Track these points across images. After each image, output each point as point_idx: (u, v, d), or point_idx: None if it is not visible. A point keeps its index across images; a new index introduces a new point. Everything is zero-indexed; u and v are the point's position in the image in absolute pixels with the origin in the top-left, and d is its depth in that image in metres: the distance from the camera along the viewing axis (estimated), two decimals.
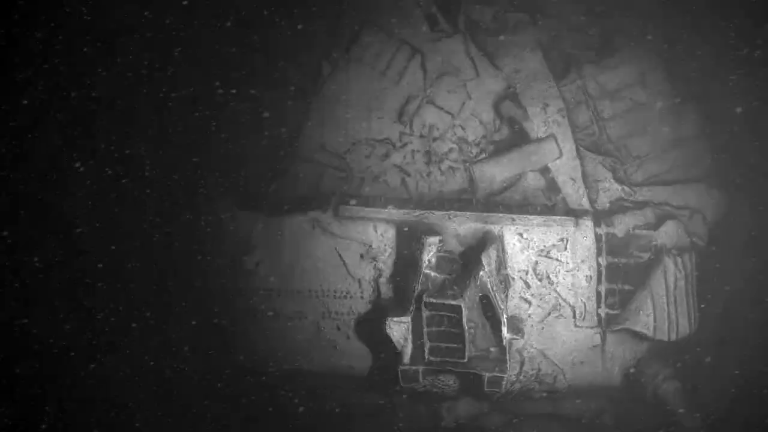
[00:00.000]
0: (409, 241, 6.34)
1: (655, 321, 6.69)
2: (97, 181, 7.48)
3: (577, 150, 6.94)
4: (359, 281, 6.54)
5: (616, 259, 6.72)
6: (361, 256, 6.52)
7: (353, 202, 6.43)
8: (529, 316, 6.56)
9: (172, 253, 6.91)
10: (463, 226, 6.44)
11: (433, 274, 6.07)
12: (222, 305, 6.75)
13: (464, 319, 5.85)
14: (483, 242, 6.25)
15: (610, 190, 7.07)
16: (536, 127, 6.91)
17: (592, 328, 6.62)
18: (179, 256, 6.82)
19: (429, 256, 6.08)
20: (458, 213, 6.45)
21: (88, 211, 7.41)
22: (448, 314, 5.92)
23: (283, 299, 6.62)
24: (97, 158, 7.53)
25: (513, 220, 6.47)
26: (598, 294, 6.65)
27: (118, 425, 7.19)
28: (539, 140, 6.88)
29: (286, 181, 6.87)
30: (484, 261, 5.98)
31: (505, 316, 6.04)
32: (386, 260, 6.49)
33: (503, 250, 6.44)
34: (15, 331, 7.02)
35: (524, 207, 6.64)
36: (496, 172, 6.89)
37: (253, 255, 6.60)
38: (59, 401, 7.24)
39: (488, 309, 6.08)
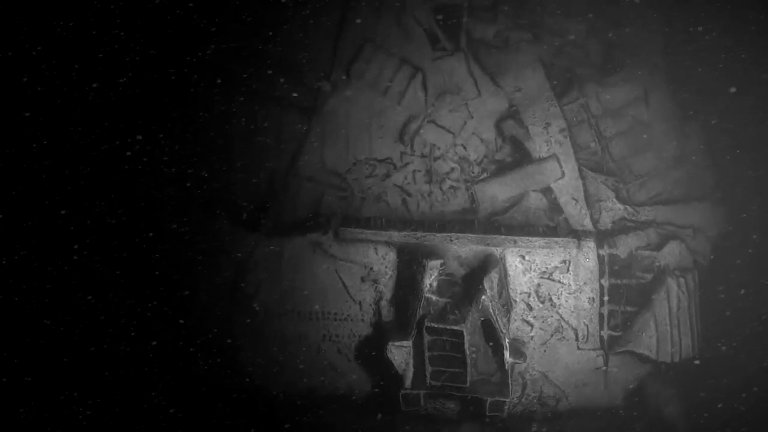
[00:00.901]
0: (411, 263, 6.28)
1: (658, 343, 6.64)
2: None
3: (580, 170, 6.89)
4: (360, 304, 6.49)
5: (618, 281, 6.68)
6: (362, 278, 6.47)
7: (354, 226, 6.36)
8: (532, 338, 6.51)
9: (172, 272, 6.83)
10: (464, 248, 6.39)
11: (434, 297, 6.03)
12: (221, 326, 6.68)
13: (466, 344, 5.80)
14: (485, 265, 6.21)
15: (613, 209, 7.01)
16: (538, 146, 6.86)
17: (594, 350, 6.57)
18: (180, 276, 6.74)
19: (430, 280, 6.04)
20: (460, 235, 6.39)
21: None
22: (450, 339, 5.87)
23: (284, 321, 6.57)
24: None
25: (515, 242, 6.42)
26: (601, 316, 6.60)
27: None
28: (541, 160, 6.83)
29: (285, 201, 6.81)
30: (486, 285, 5.94)
31: (507, 340, 6.00)
32: (387, 283, 6.44)
33: (505, 272, 6.40)
34: None
35: (526, 228, 6.59)
36: (497, 192, 6.84)
37: (252, 276, 6.54)
38: None
39: (490, 333, 6.04)
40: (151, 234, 6.70)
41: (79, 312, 7.59)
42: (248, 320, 6.59)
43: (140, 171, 6.89)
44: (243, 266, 6.54)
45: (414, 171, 6.92)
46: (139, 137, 6.91)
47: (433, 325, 5.79)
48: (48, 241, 7.44)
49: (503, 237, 6.40)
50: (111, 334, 7.30)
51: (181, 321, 6.69)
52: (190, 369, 6.85)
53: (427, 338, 5.85)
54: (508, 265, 6.41)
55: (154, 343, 6.96)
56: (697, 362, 6.88)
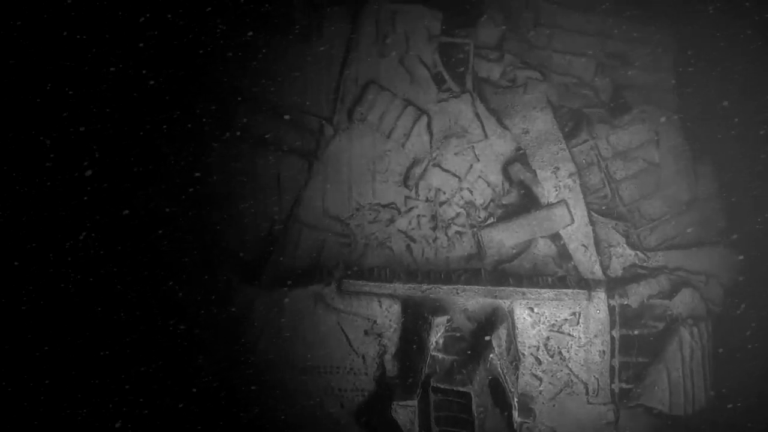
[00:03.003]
0: (416, 318, 6.08)
1: (670, 396, 6.45)
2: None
3: (589, 216, 6.68)
4: (363, 357, 6.29)
5: (629, 331, 6.48)
6: (366, 331, 6.27)
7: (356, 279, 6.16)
8: (540, 393, 6.31)
9: (171, 323, 6.63)
10: (471, 301, 6.19)
11: (440, 356, 5.82)
12: (220, 378, 6.47)
13: (473, 406, 5.60)
14: (492, 321, 6.00)
15: (623, 255, 6.81)
16: (547, 192, 6.65)
17: (605, 404, 6.37)
18: (178, 327, 6.54)
19: (436, 337, 5.83)
20: (466, 287, 6.19)
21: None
22: (457, 399, 5.66)
23: (285, 374, 6.36)
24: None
25: (523, 293, 6.21)
26: (612, 368, 6.40)
27: None
28: (550, 206, 6.63)
29: (286, 249, 6.60)
30: (494, 343, 5.74)
31: (515, 399, 5.80)
32: (391, 336, 6.24)
33: (513, 326, 6.19)
34: None
35: (535, 278, 6.39)
36: (504, 238, 6.64)
37: (253, 329, 6.33)
38: None
39: (498, 392, 5.83)
40: (149, 286, 6.49)
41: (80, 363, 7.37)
42: (249, 371, 6.37)
43: (135, 218, 6.66)
44: (242, 318, 6.32)
45: (419, 216, 6.72)
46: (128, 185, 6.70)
47: (439, 385, 5.59)
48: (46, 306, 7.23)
49: (511, 289, 6.19)
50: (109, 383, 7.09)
51: (180, 373, 6.47)
52: (186, 419, 6.65)
53: (433, 398, 5.65)
54: (516, 318, 6.21)
55: (152, 392, 6.75)
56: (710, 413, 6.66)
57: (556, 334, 6.28)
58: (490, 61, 6.97)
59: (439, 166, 6.72)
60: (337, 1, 6.74)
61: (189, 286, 6.49)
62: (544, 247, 6.67)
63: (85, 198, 6.91)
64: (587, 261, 6.63)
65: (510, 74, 6.98)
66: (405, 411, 5.76)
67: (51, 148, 7.04)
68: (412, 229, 6.70)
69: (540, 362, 6.28)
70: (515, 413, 5.75)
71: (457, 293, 6.18)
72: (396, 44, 6.66)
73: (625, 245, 6.83)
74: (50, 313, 7.30)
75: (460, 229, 6.72)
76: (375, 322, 6.23)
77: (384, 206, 6.68)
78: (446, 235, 6.71)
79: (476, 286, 6.20)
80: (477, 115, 6.76)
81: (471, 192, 6.76)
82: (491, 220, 6.75)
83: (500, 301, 6.19)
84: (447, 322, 5.89)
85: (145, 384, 6.91)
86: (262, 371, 6.38)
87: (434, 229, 6.71)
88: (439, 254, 6.69)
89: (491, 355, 5.66)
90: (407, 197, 6.71)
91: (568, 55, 7.13)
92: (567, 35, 7.17)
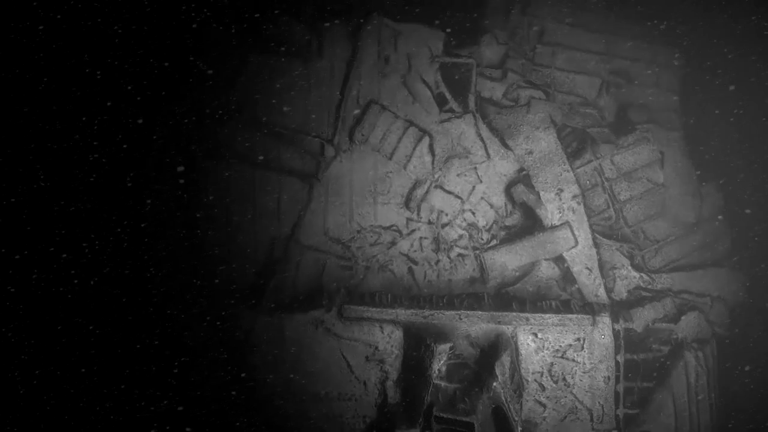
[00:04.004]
0: (418, 344, 5.99)
1: (675, 421, 6.38)
2: None
3: (594, 238, 6.60)
4: (364, 383, 6.20)
5: (634, 356, 6.40)
6: (367, 357, 6.18)
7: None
8: (545, 419, 6.22)
9: (169, 348, 6.54)
10: (474, 327, 6.10)
11: (443, 384, 5.74)
12: (219, 404, 6.38)
13: None
14: (496, 347, 5.92)
15: (628, 278, 6.73)
16: (550, 214, 6.57)
17: (610, 431, 6.29)
18: (176, 354, 6.45)
19: (439, 365, 5.75)
20: (469, 313, 6.10)
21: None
22: (460, 429, 5.57)
23: (285, 400, 6.27)
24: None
25: (527, 319, 6.13)
26: (617, 394, 6.32)
27: None
28: (553, 228, 6.54)
29: (286, 271, 6.51)
30: (498, 371, 5.66)
31: (519, 428, 5.71)
32: (393, 362, 6.15)
33: (517, 352, 6.10)
34: None
35: (538, 303, 6.30)
36: (507, 261, 6.56)
37: (253, 354, 6.24)
38: None
39: (501, 421, 5.75)
40: (148, 312, 6.40)
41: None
42: (248, 397, 6.28)
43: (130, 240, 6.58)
44: (243, 343, 6.23)
45: (420, 238, 6.64)
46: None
47: (442, 415, 5.51)
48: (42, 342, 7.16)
49: (515, 314, 6.11)
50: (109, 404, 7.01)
51: (179, 400, 6.38)
52: None
53: (436, 428, 5.56)
54: (520, 343, 6.13)
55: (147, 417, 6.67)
56: None
57: (561, 360, 6.20)
58: (493, 80, 6.89)
59: (441, 187, 6.63)
60: (337, 20, 6.65)
61: (188, 311, 6.39)
62: (547, 270, 6.59)
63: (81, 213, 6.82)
64: (591, 284, 6.54)
65: (513, 93, 6.90)
66: None
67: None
68: (414, 251, 6.61)
69: (544, 388, 6.20)
70: None
71: (460, 319, 6.09)
72: (398, 64, 6.58)
73: (629, 267, 6.75)
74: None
75: (462, 251, 6.63)
76: (376, 348, 6.15)
77: (385, 228, 6.60)
78: (448, 257, 6.62)
79: (479, 312, 6.12)
80: (479, 135, 6.67)
81: (473, 214, 6.68)
82: (494, 242, 6.66)
83: (504, 326, 6.10)
84: (450, 350, 5.81)
85: (140, 409, 6.83)
86: (262, 397, 6.29)
87: (436, 251, 6.63)
88: (442, 277, 6.61)
89: (494, 384, 5.57)
90: (409, 219, 6.63)
91: (572, 74, 7.05)
92: (571, 53, 7.09)
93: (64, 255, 6.93)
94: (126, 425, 6.79)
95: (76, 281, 7.11)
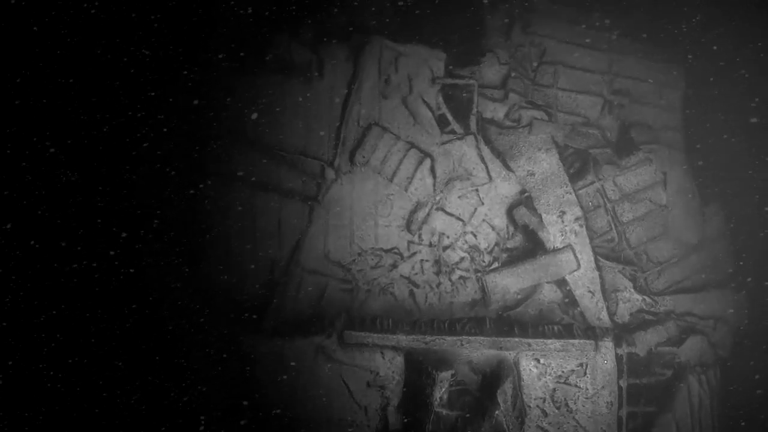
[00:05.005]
0: (419, 371, 5.95)
1: None
2: None
3: (596, 261, 6.55)
4: (365, 409, 6.16)
5: (637, 380, 6.36)
6: (368, 383, 6.13)
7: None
8: None
9: (168, 373, 6.50)
10: (476, 352, 6.05)
11: (445, 412, 5.70)
12: (219, 430, 6.35)
13: None
14: (498, 374, 5.87)
15: (631, 300, 6.68)
16: (552, 236, 6.52)
17: None
18: (175, 380, 6.41)
19: (440, 393, 5.70)
20: (471, 338, 6.06)
21: None
22: None
23: (285, 426, 6.22)
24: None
25: (529, 345, 6.08)
26: (620, 419, 6.28)
27: None
28: (555, 251, 6.50)
29: (287, 295, 6.46)
30: (500, 399, 5.61)
31: None
32: (394, 388, 6.11)
33: (519, 377, 6.06)
34: None
35: (541, 327, 6.25)
36: (509, 284, 6.51)
37: (253, 379, 6.20)
38: None
39: None
40: (149, 335, 6.36)
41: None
42: (248, 423, 6.24)
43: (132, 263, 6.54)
44: (243, 368, 6.19)
45: (422, 261, 6.59)
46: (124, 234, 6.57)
47: None
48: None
49: (517, 340, 6.06)
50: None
51: (178, 423, 6.34)
52: None
53: None
54: (522, 369, 6.08)
55: None
56: None
57: (563, 386, 6.15)
58: (495, 100, 6.83)
59: (442, 209, 6.58)
60: (338, 41, 6.60)
61: (188, 335, 6.35)
62: (549, 293, 6.54)
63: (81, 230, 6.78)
64: (594, 307, 6.50)
65: (515, 114, 6.85)
66: None
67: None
68: (415, 274, 6.57)
69: (546, 414, 6.15)
70: None
71: (462, 345, 6.05)
72: (399, 85, 6.52)
73: (632, 290, 6.70)
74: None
75: (464, 274, 6.58)
76: (377, 373, 6.10)
77: (386, 251, 6.55)
78: (450, 280, 6.58)
79: (481, 337, 6.07)
80: (481, 157, 6.62)
81: (475, 236, 6.63)
82: (496, 264, 6.61)
83: (506, 352, 6.05)
84: (451, 377, 5.75)
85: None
86: (262, 423, 6.24)
87: (438, 274, 6.58)
88: (443, 300, 6.56)
89: (497, 412, 5.53)
90: (410, 242, 6.58)
91: (574, 93, 6.99)
92: (573, 72, 7.04)
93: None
94: None
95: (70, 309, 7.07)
